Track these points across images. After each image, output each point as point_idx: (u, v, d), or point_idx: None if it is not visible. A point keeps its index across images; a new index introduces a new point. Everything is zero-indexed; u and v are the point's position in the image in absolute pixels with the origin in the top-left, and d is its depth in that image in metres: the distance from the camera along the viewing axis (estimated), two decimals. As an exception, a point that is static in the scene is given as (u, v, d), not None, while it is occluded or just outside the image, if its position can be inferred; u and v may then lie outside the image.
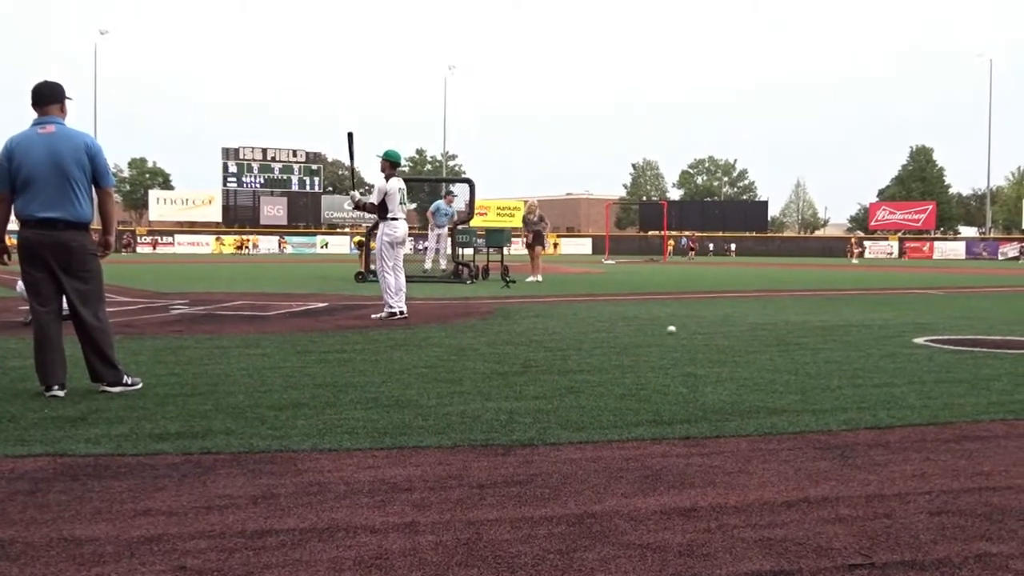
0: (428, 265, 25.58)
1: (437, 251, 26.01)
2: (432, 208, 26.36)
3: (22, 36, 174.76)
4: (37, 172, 6.21)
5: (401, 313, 12.00)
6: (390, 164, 12.50)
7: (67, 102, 6.54)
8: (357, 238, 48.09)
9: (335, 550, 3.29)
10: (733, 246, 74.82)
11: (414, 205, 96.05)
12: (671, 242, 66.53)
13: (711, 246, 74.20)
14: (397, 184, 12.31)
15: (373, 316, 12.22)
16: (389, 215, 12.24)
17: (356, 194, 12.91)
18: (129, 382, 6.46)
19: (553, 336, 10.05)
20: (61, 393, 6.20)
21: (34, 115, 6.43)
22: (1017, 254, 68.16)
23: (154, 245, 70.96)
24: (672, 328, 10.42)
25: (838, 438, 5.15)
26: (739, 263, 50.16)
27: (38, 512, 3.70)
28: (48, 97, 6.43)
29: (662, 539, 3.43)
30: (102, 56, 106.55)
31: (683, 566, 3.16)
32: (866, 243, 71.55)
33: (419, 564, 3.16)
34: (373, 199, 12.37)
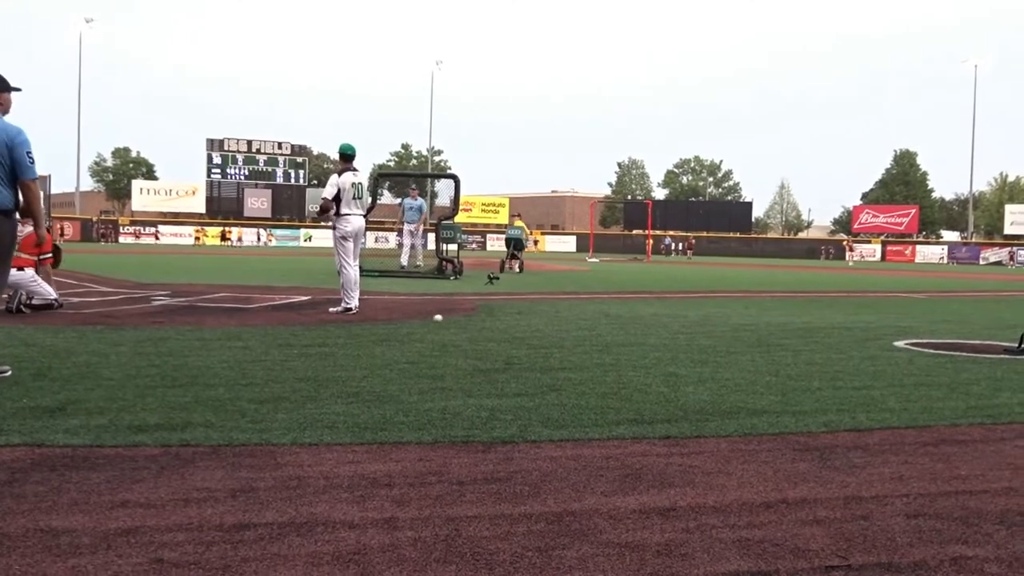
0: (404, 261, 25.61)
1: (412, 247, 26.10)
2: (401, 207, 26.59)
3: (3, 22, 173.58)
4: None
5: (351, 310, 12.05)
6: (343, 158, 12.57)
7: (6, 94, 6.62)
8: None
9: (313, 545, 3.28)
10: (681, 245, 74.21)
11: (399, 200, 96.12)
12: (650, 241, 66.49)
13: (675, 245, 74.08)
14: (350, 179, 12.31)
15: (330, 310, 12.25)
16: (342, 210, 12.27)
17: (319, 200, 12.88)
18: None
19: (535, 334, 10.05)
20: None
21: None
22: (1000, 259, 68.48)
23: (137, 235, 70.65)
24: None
25: (817, 440, 5.17)
26: (724, 264, 50.26)
27: (14, 503, 3.68)
28: None
29: (641, 538, 3.44)
30: (87, 44, 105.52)
31: (661, 565, 3.17)
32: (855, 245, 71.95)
33: (397, 560, 3.16)
34: (327, 193, 12.36)
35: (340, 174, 12.38)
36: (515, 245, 28.68)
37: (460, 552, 3.25)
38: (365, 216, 12.71)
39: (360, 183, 12.43)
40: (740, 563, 3.21)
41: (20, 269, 10.91)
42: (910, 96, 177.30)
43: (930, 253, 73.89)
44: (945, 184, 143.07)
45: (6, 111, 6.61)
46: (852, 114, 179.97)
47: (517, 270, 27.29)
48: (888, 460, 4.76)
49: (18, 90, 6.74)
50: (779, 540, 3.45)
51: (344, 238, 12.35)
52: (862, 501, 4.01)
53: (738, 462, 4.64)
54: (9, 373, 6.47)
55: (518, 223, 30.47)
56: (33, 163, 6.60)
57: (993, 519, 3.78)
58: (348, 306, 12.10)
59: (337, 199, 12.25)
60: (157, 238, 70.39)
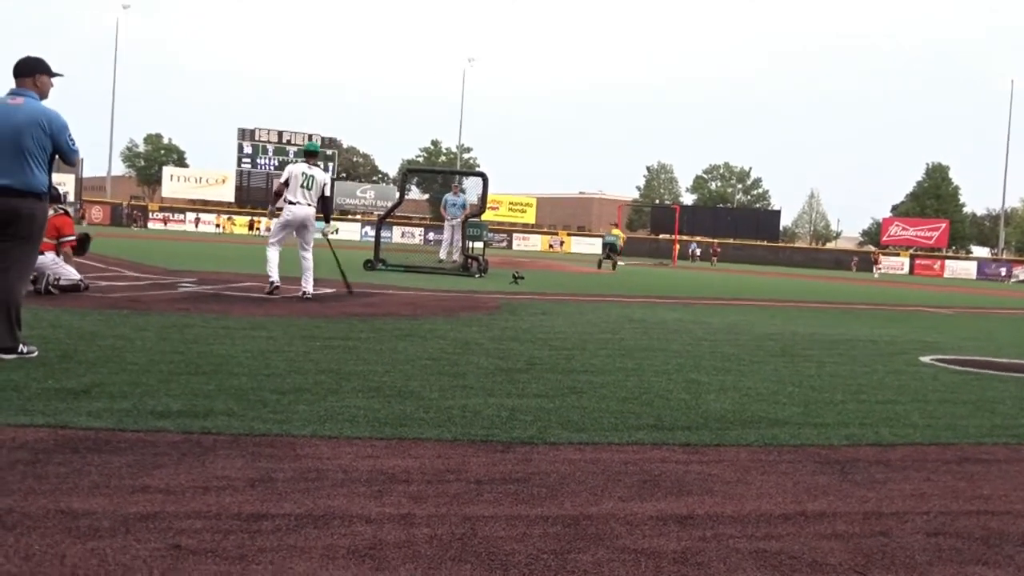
0: (443, 255, 26.02)
1: (451, 242, 26.33)
2: (442, 201, 27.01)
3: (47, 7, 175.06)
4: None
5: (272, 284, 12.80)
6: (305, 154, 13.54)
7: (46, 77, 6.75)
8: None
9: (330, 538, 3.29)
10: (699, 251, 73.71)
11: (426, 196, 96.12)
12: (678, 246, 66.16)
13: (699, 251, 73.70)
14: (301, 168, 12.97)
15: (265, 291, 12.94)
16: (288, 197, 12.87)
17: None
18: (25, 351, 6.52)
19: (558, 335, 10.03)
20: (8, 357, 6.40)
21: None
22: None
23: (165, 221, 71.16)
24: None
25: (839, 453, 5.13)
26: (751, 272, 50.02)
27: (37, 483, 3.70)
28: (21, 70, 6.69)
29: (657, 545, 3.42)
30: (124, 30, 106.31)
31: (677, 573, 3.15)
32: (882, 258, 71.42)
33: (413, 556, 3.16)
34: (280, 180, 13.10)
35: (296, 164, 13.14)
36: (611, 248, 36.55)
37: (476, 551, 3.24)
38: (316, 206, 13.17)
39: (311, 175, 12.97)
40: (756, 574, 3.19)
41: (41, 253, 10.99)
42: (944, 109, 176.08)
43: (960, 269, 73.22)
44: (977, 199, 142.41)
45: (45, 95, 6.72)
46: (885, 126, 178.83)
47: (612, 269, 34.64)
48: (910, 476, 4.72)
49: (60, 75, 6.86)
50: (797, 553, 3.42)
51: (284, 225, 13.07)
52: (882, 517, 3.97)
53: (758, 472, 4.61)
54: (36, 354, 6.53)
55: (615, 231, 38.37)
56: (75, 145, 6.80)
57: (1015, 540, 3.74)
58: (274, 283, 12.81)
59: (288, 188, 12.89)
60: (197, 225, 70.93)
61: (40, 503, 3.46)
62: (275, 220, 13.53)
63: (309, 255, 12.99)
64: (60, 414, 4.88)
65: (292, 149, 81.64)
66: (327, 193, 13.21)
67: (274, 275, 12.83)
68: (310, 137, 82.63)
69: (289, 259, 13.44)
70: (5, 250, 6.49)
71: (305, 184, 12.79)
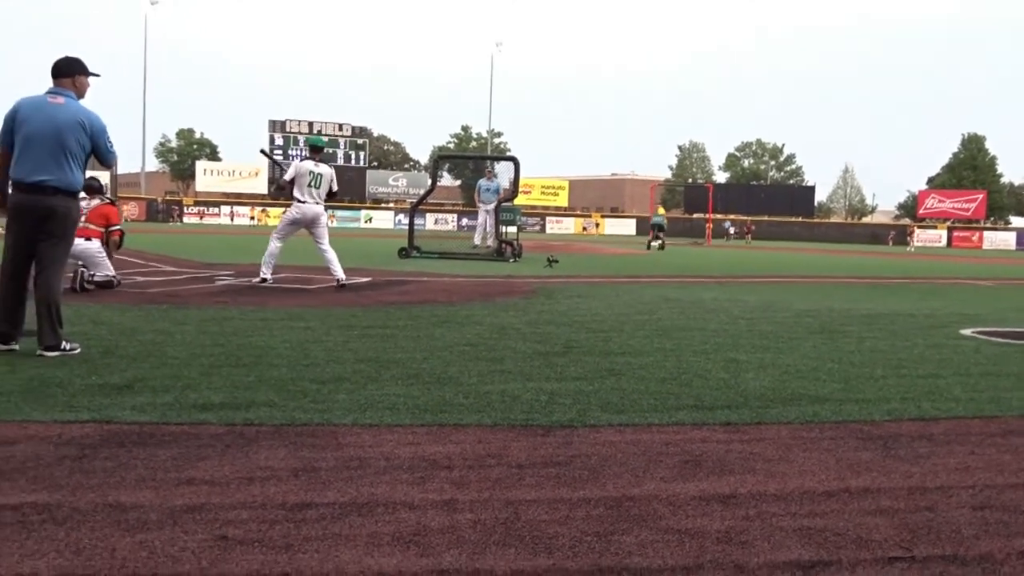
0: (477, 241, 26.10)
1: (485, 228, 26.34)
2: (476, 187, 27.02)
3: (73, 4, 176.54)
4: (34, 137, 6.51)
5: (263, 278, 12.91)
6: (311, 150, 13.53)
7: (84, 78, 6.84)
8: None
9: (374, 525, 3.31)
10: (733, 230, 72.93)
11: (458, 182, 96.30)
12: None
13: (733, 229, 72.98)
14: (308, 166, 12.88)
15: (252, 280, 13.17)
16: (295, 195, 12.82)
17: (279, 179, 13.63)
18: (68, 348, 6.59)
19: (595, 317, 10.02)
20: (16, 346, 6.62)
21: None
22: None
23: (201, 215, 71.70)
24: None
25: (881, 428, 5.10)
26: (786, 249, 49.63)
27: (84, 477, 3.76)
28: (62, 71, 6.78)
29: (700, 525, 3.42)
30: (153, 25, 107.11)
31: (721, 552, 3.15)
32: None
33: (457, 541, 3.18)
34: (286, 176, 13.05)
35: (303, 160, 13.09)
36: (658, 228, 39.06)
37: (519, 535, 3.26)
38: (323, 202, 13.16)
39: (319, 174, 12.93)
40: (801, 552, 3.18)
41: (88, 239, 11.06)
42: (979, 79, 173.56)
43: (1000, 240, 72.21)
44: (1015, 169, 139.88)
45: (82, 95, 6.82)
46: (919, 97, 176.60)
47: (658, 247, 36.97)
48: (954, 450, 4.68)
49: (97, 75, 6.95)
50: (841, 529, 3.41)
51: (292, 222, 13.10)
52: (926, 492, 3.94)
53: (799, 450, 4.59)
54: (78, 350, 6.62)
55: (660, 211, 41.98)
56: (112, 147, 6.91)
57: (1063, 513, 3.70)
58: (264, 277, 12.88)
59: (294, 184, 12.84)
60: (232, 218, 71.37)
61: (88, 497, 3.51)
62: (284, 216, 13.56)
63: (327, 245, 13.00)
64: (104, 409, 4.94)
65: (323, 139, 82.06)
66: (335, 188, 13.17)
67: (267, 270, 12.97)
68: (340, 127, 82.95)
69: (310, 252, 13.58)
70: (42, 251, 6.61)
71: (313, 183, 12.78)
